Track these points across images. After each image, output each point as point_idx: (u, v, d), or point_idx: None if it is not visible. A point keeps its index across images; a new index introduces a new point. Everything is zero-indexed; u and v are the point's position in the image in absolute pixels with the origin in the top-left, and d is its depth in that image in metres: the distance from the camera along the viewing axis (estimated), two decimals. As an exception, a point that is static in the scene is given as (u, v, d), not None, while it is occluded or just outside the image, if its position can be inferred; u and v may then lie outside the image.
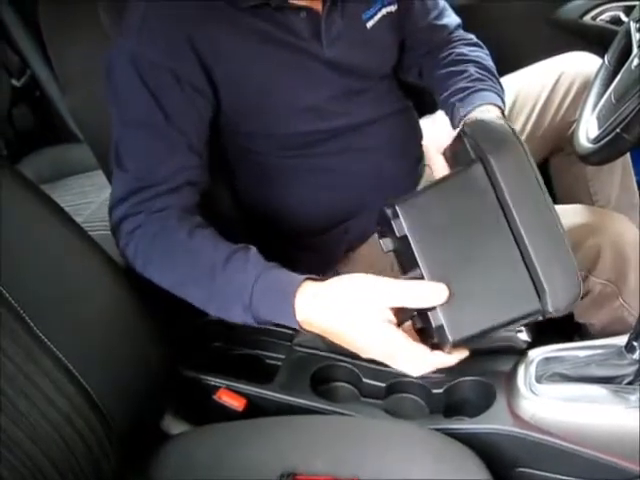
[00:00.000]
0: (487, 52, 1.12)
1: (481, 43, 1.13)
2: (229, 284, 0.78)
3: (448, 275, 0.68)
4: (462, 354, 0.73)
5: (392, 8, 1.05)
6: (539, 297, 0.68)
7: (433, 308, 0.68)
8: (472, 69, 1.05)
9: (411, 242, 0.69)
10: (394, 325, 0.71)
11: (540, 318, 0.69)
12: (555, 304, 0.67)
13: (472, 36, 1.15)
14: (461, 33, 1.15)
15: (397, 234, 0.70)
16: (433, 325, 0.68)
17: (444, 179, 0.75)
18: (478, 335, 0.68)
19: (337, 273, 0.76)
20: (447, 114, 1.06)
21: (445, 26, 1.14)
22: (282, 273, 0.77)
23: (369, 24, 1.02)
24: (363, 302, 0.71)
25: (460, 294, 0.68)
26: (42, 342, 0.73)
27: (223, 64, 0.91)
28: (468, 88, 1.02)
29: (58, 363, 0.74)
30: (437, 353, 0.71)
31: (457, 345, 0.69)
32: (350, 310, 0.71)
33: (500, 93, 1.03)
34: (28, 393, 0.70)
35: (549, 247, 0.68)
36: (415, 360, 0.72)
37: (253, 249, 0.81)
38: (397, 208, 0.70)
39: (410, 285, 0.69)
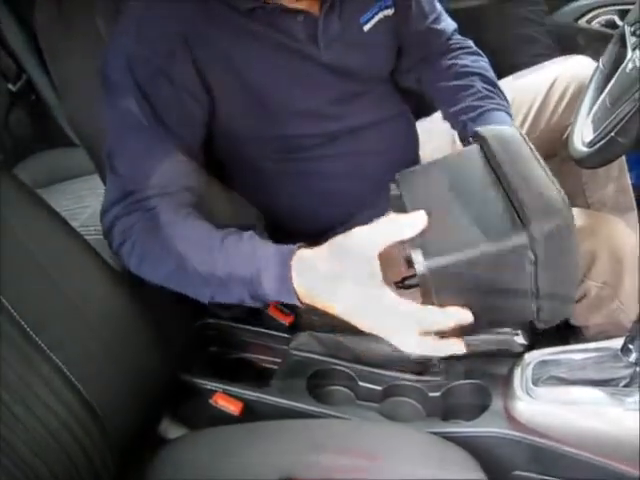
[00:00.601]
0: (487, 60, 1.13)
1: (480, 51, 1.14)
2: (227, 260, 0.78)
3: (431, 212, 0.68)
4: (456, 313, 0.67)
5: (389, 12, 1.06)
6: (524, 228, 0.65)
7: (412, 239, 0.67)
8: (478, 84, 1.07)
9: (403, 197, 0.73)
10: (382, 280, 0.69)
11: (531, 256, 0.66)
12: (538, 228, 0.65)
13: (470, 42, 1.15)
14: (459, 39, 1.16)
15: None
16: (411, 255, 0.66)
17: (444, 156, 0.81)
18: (458, 266, 0.65)
19: None
20: (455, 128, 1.08)
21: (443, 31, 1.14)
22: (278, 245, 0.77)
23: (366, 27, 1.02)
24: (352, 244, 0.70)
25: (441, 227, 0.67)
26: (41, 349, 0.72)
27: (219, 66, 0.91)
28: (480, 107, 1.04)
29: (58, 371, 0.73)
30: (428, 307, 0.67)
31: (439, 281, 0.66)
32: (339, 260, 0.70)
33: (508, 110, 1.05)
34: (27, 401, 0.70)
35: (530, 179, 0.68)
36: (404, 316, 0.68)
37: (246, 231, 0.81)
38: (397, 176, 0.77)
39: (390, 217, 0.70)
